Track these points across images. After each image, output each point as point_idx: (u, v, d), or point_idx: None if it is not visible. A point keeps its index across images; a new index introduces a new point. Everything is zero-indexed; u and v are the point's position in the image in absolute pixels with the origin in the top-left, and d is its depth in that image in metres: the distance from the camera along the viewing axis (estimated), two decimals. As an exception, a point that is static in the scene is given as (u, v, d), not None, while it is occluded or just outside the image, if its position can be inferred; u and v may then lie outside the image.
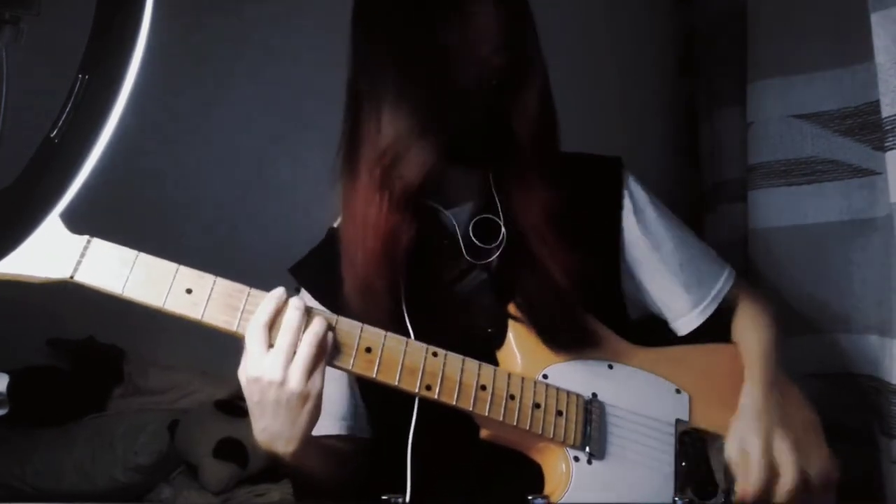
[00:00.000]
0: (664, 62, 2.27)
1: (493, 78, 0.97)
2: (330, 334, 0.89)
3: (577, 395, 0.97)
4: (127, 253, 0.86)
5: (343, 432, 1.07)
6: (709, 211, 2.00)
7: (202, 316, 0.86)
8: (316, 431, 0.94)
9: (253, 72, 2.03)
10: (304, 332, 0.87)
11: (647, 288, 1.13)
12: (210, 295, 0.87)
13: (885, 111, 1.06)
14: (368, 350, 0.90)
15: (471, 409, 0.92)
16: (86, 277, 0.84)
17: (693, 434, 1.00)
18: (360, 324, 0.91)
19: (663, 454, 0.98)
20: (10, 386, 0.86)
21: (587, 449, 0.95)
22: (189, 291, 0.86)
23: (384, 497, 0.88)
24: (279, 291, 0.89)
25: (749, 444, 0.97)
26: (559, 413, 0.95)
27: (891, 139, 1.07)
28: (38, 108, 0.77)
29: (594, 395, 0.98)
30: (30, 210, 0.67)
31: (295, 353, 0.86)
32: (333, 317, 0.91)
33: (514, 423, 0.93)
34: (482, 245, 1.04)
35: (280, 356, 0.86)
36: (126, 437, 1.73)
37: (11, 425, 1.74)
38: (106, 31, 0.65)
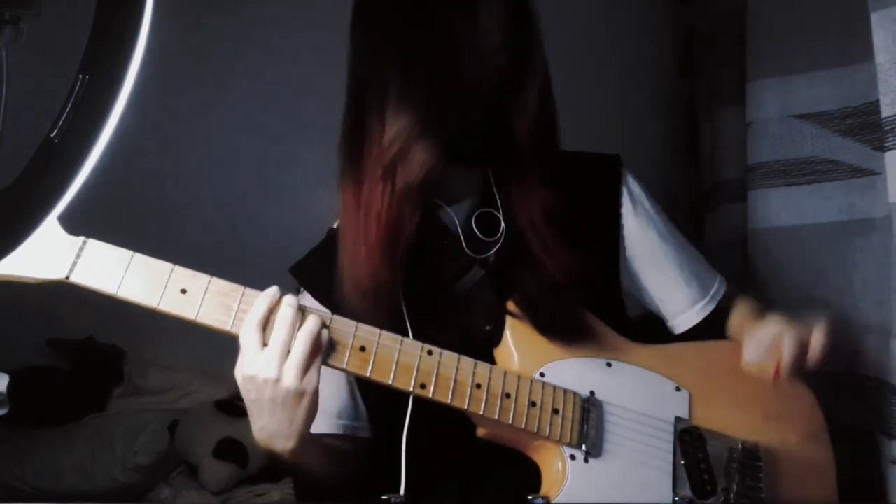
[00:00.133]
0: (664, 62, 2.28)
1: (494, 77, 0.97)
2: (324, 332, 0.89)
3: (574, 394, 0.97)
4: (122, 254, 0.87)
5: (341, 431, 1.07)
6: (709, 211, 2.00)
7: (196, 316, 0.87)
8: (313, 430, 0.94)
9: (253, 72, 2.03)
10: (298, 330, 0.87)
11: (646, 284, 1.14)
12: (204, 295, 0.87)
13: (885, 111, 1.06)
14: (363, 349, 0.90)
15: (465, 407, 0.92)
16: (81, 278, 0.85)
17: (693, 432, 1.00)
18: (354, 322, 0.91)
19: (662, 452, 0.98)
20: (10, 386, 0.86)
21: (583, 447, 0.95)
22: (184, 291, 0.87)
23: (384, 497, 0.88)
24: (272, 290, 0.89)
25: (779, 324, 1.03)
26: (555, 411, 0.95)
27: (891, 139, 1.07)
28: (38, 108, 0.77)
29: (592, 393, 0.98)
30: (29, 210, 0.67)
31: (290, 351, 0.86)
32: (328, 315, 0.91)
33: (510, 422, 0.93)
34: (483, 237, 1.04)
35: (274, 354, 0.86)
36: (126, 437, 1.73)
37: (11, 425, 1.74)
38: (106, 31, 0.65)
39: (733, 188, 1.83)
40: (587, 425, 0.96)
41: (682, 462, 0.98)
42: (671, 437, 0.99)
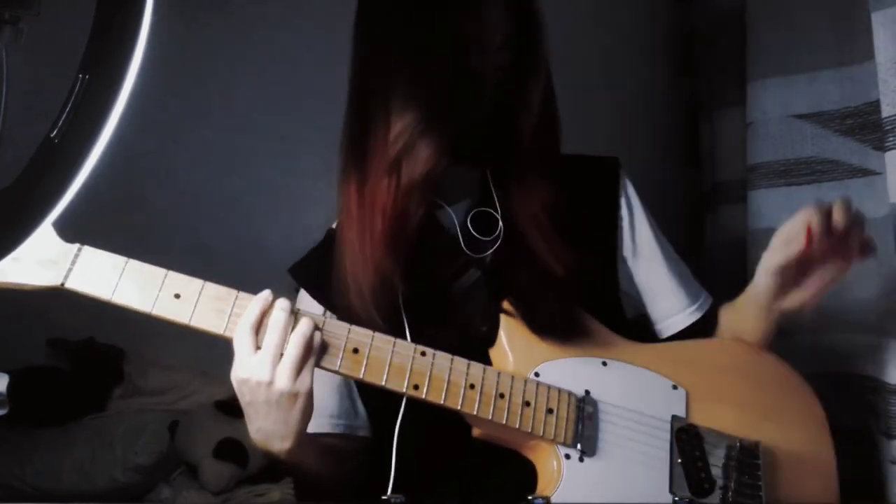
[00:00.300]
0: (664, 62, 2.28)
1: (497, 75, 0.98)
2: (317, 334, 0.89)
3: (569, 393, 0.97)
4: (117, 260, 0.88)
5: (338, 431, 1.08)
6: (709, 211, 2.00)
7: (190, 320, 0.88)
8: (311, 429, 0.94)
9: (253, 72, 2.03)
10: (291, 332, 0.88)
11: (639, 285, 1.15)
12: (198, 299, 0.88)
13: (885, 111, 1.07)
14: (356, 351, 0.91)
15: (459, 408, 0.92)
16: (76, 284, 0.87)
17: (690, 430, 1.00)
18: (347, 324, 0.92)
19: (659, 451, 0.98)
20: (10, 386, 0.87)
21: (578, 446, 0.95)
22: (177, 296, 0.88)
23: (384, 497, 0.89)
24: (265, 294, 0.90)
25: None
26: (550, 411, 0.95)
27: (891, 139, 1.07)
28: (38, 108, 0.77)
29: (587, 392, 0.98)
30: (29, 210, 0.67)
31: (282, 354, 0.87)
32: (321, 318, 0.91)
33: (504, 422, 0.93)
34: (480, 237, 1.04)
35: (267, 357, 0.87)
36: (126, 438, 1.73)
37: (11, 425, 1.74)
38: (106, 31, 0.65)
39: (733, 188, 1.83)
40: (582, 425, 0.96)
41: (680, 461, 0.98)
42: (668, 436, 0.99)
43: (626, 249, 1.13)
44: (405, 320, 0.98)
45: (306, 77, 1.97)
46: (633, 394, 1.00)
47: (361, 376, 0.91)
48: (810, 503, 1.02)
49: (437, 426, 0.96)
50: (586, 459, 0.95)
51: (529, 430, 0.94)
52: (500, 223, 1.04)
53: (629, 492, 0.95)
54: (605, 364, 1.01)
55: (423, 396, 0.91)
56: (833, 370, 1.38)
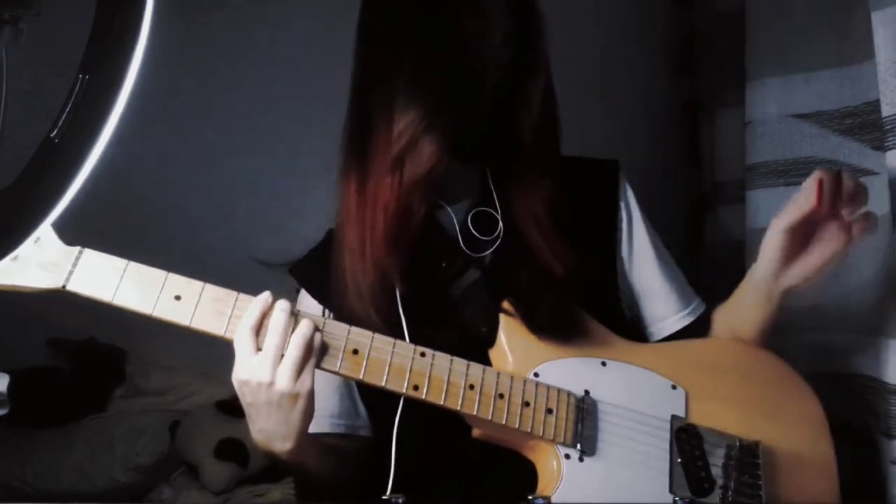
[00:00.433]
0: (664, 62, 2.28)
1: (498, 73, 0.98)
2: (317, 335, 0.90)
3: (569, 393, 0.97)
4: (118, 262, 0.89)
5: (340, 431, 1.08)
6: (709, 211, 2.00)
7: (190, 322, 0.88)
8: (312, 430, 0.95)
9: (253, 72, 2.03)
10: (291, 334, 0.88)
11: (633, 288, 1.15)
12: (198, 301, 0.88)
13: (885, 111, 1.07)
14: (355, 352, 0.91)
15: (459, 408, 0.92)
16: (78, 287, 0.87)
17: (689, 430, 1.00)
18: (347, 326, 0.92)
19: (659, 451, 0.98)
20: (10, 386, 0.87)
21: (578, 446, 0.95)
22: (178, 298, 0.88)
23: (384, 497, 0.89)
24: (265, 295, 0.90)
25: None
26: (549, 411, 0.95)
27: (891, 139, 1.07)
28: (38, 108, 0.77)
29: (586, 392, 0.99)
30: (29, 210, 0.67)
31: (283, 355, 0.87)
32: (321, 319, 0.92)
33: (503, 422, 0.93)
34: (480, 237, 1.04)
35: (267, 358, 0.87)
36: (126, 438, 1.73)
37: (11, 425, 1.74)
38: (106, 31, 0.65)
39: (733, 188, 1.83)
40: (582, 425, 0.96)
41: (679, 460, 0.98)
42: (668, 436, 0.99)
43: (624, 251, 1.14)
44: (404, 321, 0.98)
45: (306, 77, 1.97)
46: (632, 394, 1.00)
47: (361, 377, 0.91)
48: (810, 503, 1.02)
49: (436, 426, 0.96)
50: (586, 459, 0.95)
51: (529, 431, 0.94)
52: (500, 223, 1.05)
53: (629, 492, 0.95)
54: (604, 364, 1.01)
55: (423, 397, 0.92)
56: (833, 370, 1.38)
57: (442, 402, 0.92)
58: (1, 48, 0.61)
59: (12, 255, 0.81)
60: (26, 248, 0.84)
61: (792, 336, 1.38)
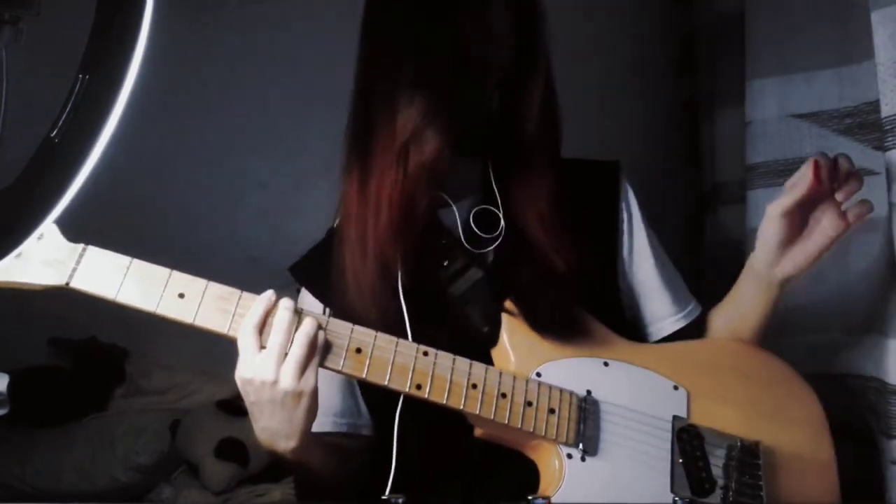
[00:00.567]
0: (664, 62, 2.28)
1: (500, 72, 0.98)
2: (321, 333, 0.90)
3: (571, 393, 0.97)
4: (121, 259, 0.89)
5: (342, 430, 1.08)
6: (709, 211, 2.00)
7: (194, 320, 0.88)
8: (315, 429, 0.95)
9: (253, 72, 2.03)
10: (295, 332, 0.88)
11: (631, 288, 1.15)
12: (202, 299, 0.88)
13: (885, 111, 1.06)
14: (359, 350, 0.91)
15: (461, 408, 0.92)
16: (81, 284, 0.87)
17: (691, 430, 1.00)
18: (350, 324, 0.92)
19: (660, 451, 0.98)
20: (10, 386, 0.88)
21: (580, 446, 0.95)
22: (181, 296, 0.88)
23: (384, 497, 0.89)
24: (269, 294, 0.90)
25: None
26: (551, 411, 0.95)
27: (891, 139, 1.07)
28: (38, 108, 0.77)
29: (588, 392, 0.99)
30: (29, 210, 0.67)
31: (287, 353, 0.87)
32: (324, 318, 0.92)
33: (506, 422, 0.93)
34: (482, 234, 1.04)
35: (271, 357, 0.87)
36: (127, 437, 1.73)
37: (11, 425, 1.74)
38: (106, 31, 0.65)
39: (733, 189, 1.83)
40: (584, 424, 0.96)
41: (681, 461, 0.98)
42: (669, 436, 0.99)
43: (624, 251, 1.14)
44: (407, 320, 0.98)
45: (306, 77, 1.97)
46: (634, 394, 1.00)
47: (364, 376, 0.91)
48: (811, 503, 1.02)
49: (439, 426, 0.96)
50: (588, 459, 0.95)
51: (531, 430, 0.94)
52: (502, 220, 1.05)
53: (631, 492, 0.95)
54: (606, 364, 1.01)
55: (426, 396, 0.92)
56: (833, 370, 1.38)
57: (445, 402, 0.92)
58: (1, 48, 0.61)
59: (15, 252, 0.81)
60: (29, 246, 0.84)
61: (792, 336, 1.38)
